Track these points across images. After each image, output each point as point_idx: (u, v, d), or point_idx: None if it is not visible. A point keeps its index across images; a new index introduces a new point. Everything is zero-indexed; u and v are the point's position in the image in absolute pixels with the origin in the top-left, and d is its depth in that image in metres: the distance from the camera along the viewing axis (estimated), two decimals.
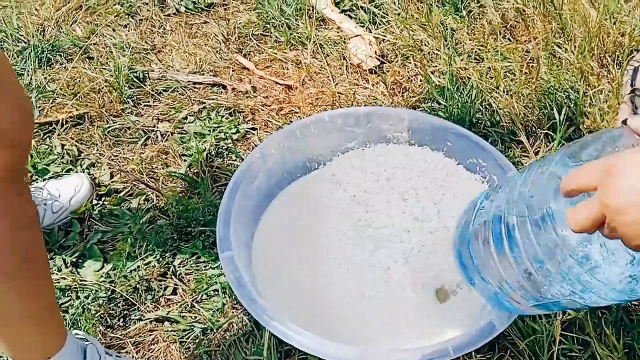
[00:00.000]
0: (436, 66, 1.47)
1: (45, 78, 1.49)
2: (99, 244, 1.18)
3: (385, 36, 1.59)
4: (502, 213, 0.73)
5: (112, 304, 1.09)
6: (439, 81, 1.41)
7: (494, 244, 0.75)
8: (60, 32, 1.61)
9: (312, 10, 1.66)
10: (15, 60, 1.52)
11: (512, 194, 0.72)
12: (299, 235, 1.09)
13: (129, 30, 1.64)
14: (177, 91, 1.48)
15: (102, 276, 1.13)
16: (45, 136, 1.37)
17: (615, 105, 1.31)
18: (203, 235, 1.18)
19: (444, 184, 1.17)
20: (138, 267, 1.14)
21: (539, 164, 0.71)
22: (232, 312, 1.08)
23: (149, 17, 1.68)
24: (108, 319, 1.07)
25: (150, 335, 1.06)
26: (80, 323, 1.06)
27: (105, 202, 1.25)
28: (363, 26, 1.64)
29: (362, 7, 1.69)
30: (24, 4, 1.69)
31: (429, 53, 1.50)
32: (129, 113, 1.42)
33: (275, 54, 1.57)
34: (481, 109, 1.37)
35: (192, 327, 1.06)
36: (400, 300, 0.99)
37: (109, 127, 1.38)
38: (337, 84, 1.50)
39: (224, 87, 1.49)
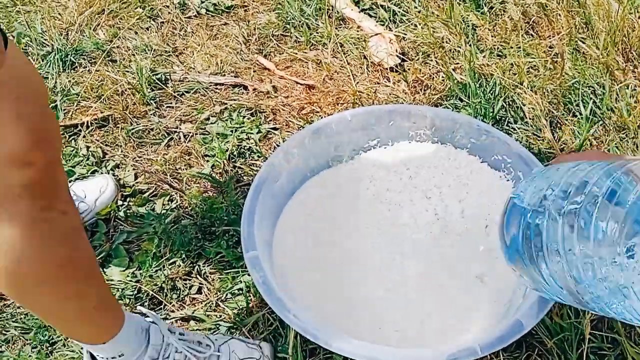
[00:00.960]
0: (458, 63, 1.46)
1: (69, 81, 1.51)
2: (125, 244, 1.19)
3: (406, 34, 1.58)
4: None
5: (139, 303, 1.10)
6: (461, 78, 1.40)
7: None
8: (84, 35, 1.63)
9: (332, 9, 1.66)
10: (40, 64, 1.54)
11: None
12: (319, 233, 1.09)
13: (150, 33, 1.65)
14: (199, 92, 1.49)
15: (128, 276, 1.14)
16: (70, 138, 1.39)
17: None
18: (227, 235, 1.18)
19: (467, 182, 1.16)
20: (163, 266, 1.15)
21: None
22: (257, 311, 1.08)
23: (170, 20, 1.69)
24: None
25: None
26: None
27: (130, 203, 1.26)
28: (383, 24, 1.64)
29: (382, 6, 1.69)
30: (47, 9, 1.72)
31: (450, 50, 1.49)
32: (152, 115, 1.44)
33: (296, 54, 1.57)
34: (505, 105, 1.36)
35: (218, 325, 1.07)
36: (425, 296, 0.99)
37: (132, 128, 1.39)
38: (358, 82, 1.50)
39: (245, 87, 1.50)
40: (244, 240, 0.96)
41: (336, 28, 1.62)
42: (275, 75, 1.53)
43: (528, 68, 1.42)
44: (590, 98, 1.32)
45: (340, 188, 1.17)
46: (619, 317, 0.66)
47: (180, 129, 1.41)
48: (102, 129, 1.41)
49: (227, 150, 1.33)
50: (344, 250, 1.06)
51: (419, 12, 1.60)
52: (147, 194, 1.27)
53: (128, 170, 1.32)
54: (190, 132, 1.40)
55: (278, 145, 1.34)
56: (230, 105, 1.45)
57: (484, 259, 1.04)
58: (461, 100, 1.38)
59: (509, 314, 0.91)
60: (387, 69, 1.52)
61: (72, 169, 1.32)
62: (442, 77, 1.44)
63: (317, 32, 1.62)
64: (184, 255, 1.16)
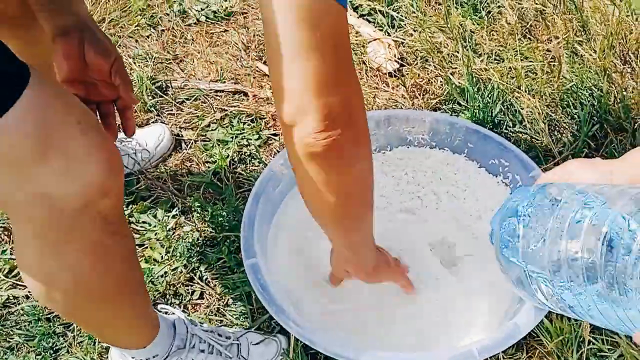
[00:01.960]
0: (456, 68, 1.47)
1: None
2: None
3: (404, 39, 1.59)
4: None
5: None
6: (459, 82, 1.41)
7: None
8: None
9: None
10: None
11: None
12: (316, 239, 1.10)
13: (151, 41, 1.67)
14: (200, 99, 1.50)
15: None
16: None
17: None
18: (228, 241, 1.19)
19: (465, 188, 1.17)
20: (165, 273, 1.16)
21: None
22: (259, 316, 1.09)
23: (170, 28, 1.71)
24: None
25: None
26: None
27: (132, 210, 1.27)
28: (382, 30, 1.65)
29: (380, 11, 1.70)
30: None
31: (448, 55, 1.50)
32: (153, 122, 1.45)
33: None
34: (503, 109, 1.36)
35: None
36: (422, 301, 0.99)
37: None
38: None
39: (245, 94, 1.51)
40: (244, 247, 0.97)
41: None
42: None
43: (526, 72, 1.43)
44: (588, 100, 1.33)
45: None
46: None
47: (181, 136, 1.42)
48: None
49: (227, 157, 1.35)
50: None
51: (417, 17, 1.61)
52: (149, 201, 1.28)
53: (130, 177, 1.33)
54: (191, 139, 1.41)
55: (278, 151, 1.35)
56: (231, 111, 1.46)
57: (483, 263, 1.05)
58: (459, 104, 1.39)
59: (507, 318, 0.92)
60: (385, 74, 1.53)
61: None
62: (441, 81, 1.45)
63: None
64: (185, 262, 1.17)
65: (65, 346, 1.07)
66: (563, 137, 1.30)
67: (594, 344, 0.99)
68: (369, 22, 1.69)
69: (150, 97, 1.49)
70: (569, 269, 0.67)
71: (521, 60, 1.44)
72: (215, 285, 1.15)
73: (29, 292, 1.12)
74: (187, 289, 1.15)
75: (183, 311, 1.11)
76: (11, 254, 1.19)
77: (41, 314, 1.10)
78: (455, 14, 1.60)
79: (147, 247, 1.20)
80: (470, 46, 1.51)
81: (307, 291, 1.04)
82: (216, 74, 1.56)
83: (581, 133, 1.27)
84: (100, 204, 0.68)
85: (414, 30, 1.59)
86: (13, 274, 1.16)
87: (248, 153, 1.37)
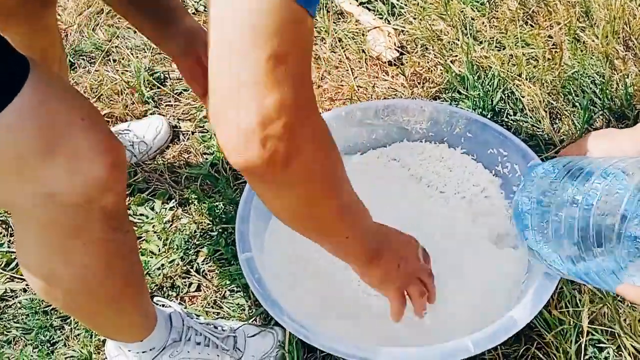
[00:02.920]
0: (456, 55, 1.45)
1: (70, 80, 1.52)
2: None
3: (404, 27, 1.57)
4: None
5: None
6: (459, 71, 1.39)
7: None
8: (83, 36, 1.64)
9: (331, 3, 1.65)
10: None
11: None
12: None
13: None
14: None
15: None
16: None
17: None
18: (225, 233, 1.19)
19: (458, 182, 1.16)
20: (162, 265, 1.16)
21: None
22: (255, 309, 1.09)
23: None
24: None
25: None
26: None
27: (130, 203, 1.26)
28: (382, 18, 1.63)
29: None
30: None
31: (448, 42, 1.48)
32: (151, 114, 1.44)
33: None
34: (504, 97, 1.35)
35: None
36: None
37: None
38: (356, 77, 1.49)
39: None
40: (239, 241, 0.97)
41: (334, 22, 1.61)
42: None
43: (527, 59, 1.41)
44: (590, 88, 1.31)
45: None
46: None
47: (179, 127, 1.41)
48: None
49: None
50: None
51: (417, 4, 1.59)
52: (146, 193, 1.28)
53: (127, 170, 1.32)
54: (189, 131, 1.40)
55: None
56: None
57: (475, 257, 1.04)
58: (460, 92, 1.37)
59: (504, 311, 0.91)
60: (385, 62, 1.51)
61: None
62: (441, 70, 1.43)
63: (315, 27, 1.61)
64: (182, 254, 1.17)
65: (62, 339, 1.08)
66: (564, 126, 1.28)
67: (592, 334, 0.97)
68: (369, 10, 1.66)
69: (148, 89, 1.48)
70: (586, 239, 0.68)
71: (522, 47, 1.42)
72: (212, 278, 1.15)
73: (27, 285, 1.12)
74: (184, 282, 1.14)
75: (180, 303, 1.11)
76: (9, 247, 1.19)
77: (38, 307, 1.10)
78: (456, 1, 1.57)
79: (144, 240, 1.20)
80: (471, 33, 1.49)
81: (303, 284, 1.03)
82: None
83: (583, 121, 1.25)
84: (103, 200, 0.67)
85: (414, 18, 1.57)
86: (10, 267, 1.17)
87: None
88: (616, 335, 0.97)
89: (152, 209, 1.25)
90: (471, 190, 1.13)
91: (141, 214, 1.25)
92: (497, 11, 1.54)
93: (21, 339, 1.08)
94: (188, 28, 0.93)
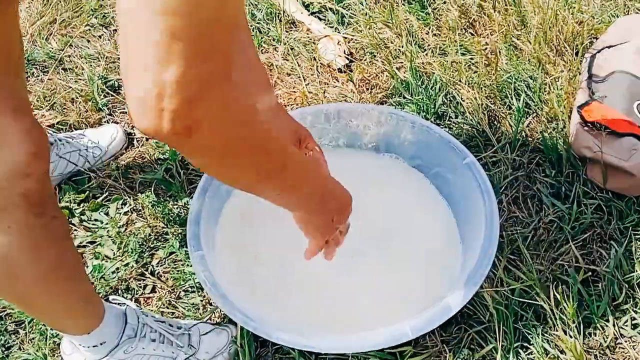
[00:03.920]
0: (402, 62, 1.51)
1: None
2: (79, 248, 1.22)
3: (353, 36, 1.63)
4: None
5: None
6: (404, 77, 1.46)
7: None
8: (35, 45, 1.64)
9: (283, 13, 1.70)
10: None
11: None
12: (259, 229, 1.13)
13: (103, 41, 1.68)
14: None
15: None
16: None
17: (572, 92, 1.36)
18: (179, 235, 1.22)
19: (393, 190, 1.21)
20: (117, 268, 1.18)
21: None
22: (210, 308, 1.12)
23: None
24: None
25: None
26: None
27: (84, 208, 1.28)
28: (332, 27, 1.69)
29: (330, 9, 1.74)
30: None
31: (395, 50, 1.55)
32: (105, 121, 1.46)
33: None
34: (446, 101, 1.42)
35: None
36: (357, 282, 1.04)
37: None
38: (307, 84, 1.54)
39: None
40: (189, 240, 1.00)
41: (287, 31, 1.67)
42: None
43: (468, 65, 1.49)
44: (524, 91, 1.39)
45: None
46: None
47: (134, 134, 1.44)
48: None
49: (179, 154, 1.37)
50: (281, 244, 1.10)
51: (365, 14, 1.66)
52: (101, 198, 1.30)
53: (82, 175, 1.34)
54: (143, 137, 1.43)
55: None
56: None
57: (414, 248, 1.10)
58: (404, 97, 1.44)
59: (440, 298, 0.97)
60: (335, 70, 1.57)
61: None
62: (387, 76, 1.49)
63: (267, 36, 1.66)
64: (137, 257, 1.19)
65: (17, 343, 1.09)
66: (501, 127, 1.36)
67: (526, 314, 1.04)
68: (320, 19, 1.72)
69: (101, 97, 1.50)
70: None
71: (463, 54, 1.50)
72: (167, 279, 1.17)
73: None
74: (139, 284, 1.17)
75: (136, 305, 1.14)
76: None
77: None
78: (403, 10, 1.65)
79: (98, 244, 1.22)
80: (415, 41, 1.56)
81: (253, 280, 1.07)
82: None
83: (518, 122, 1.33)
84: (23, 186, 0.70)
85: (362, 27, 1.63)
86: None
87: None
88: (548, 316, 1.04)
89: (107, 214, 1.27)
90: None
91: (95, 219, 1.26)
92: (441, 20, 1.62)
93: None
94: None
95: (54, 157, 1.26)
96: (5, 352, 1.08)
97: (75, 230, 1.25)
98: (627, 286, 1.09)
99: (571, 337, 0.98)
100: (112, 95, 1.51)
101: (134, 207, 1.28)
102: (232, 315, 0.93)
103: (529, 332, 1.03)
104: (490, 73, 1.42)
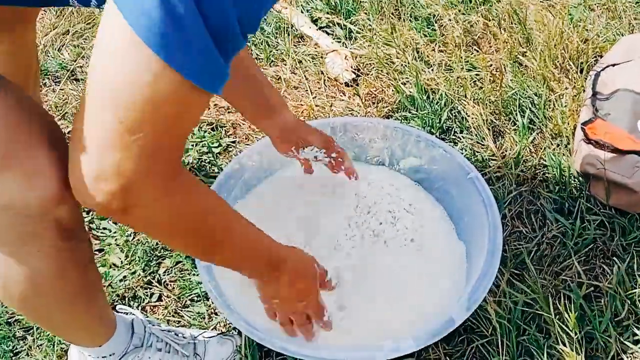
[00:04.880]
0: (407, 78, 1.54)
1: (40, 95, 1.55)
2: None
3: (360, 50, 1.66)
4: None
5: None
6: (410, 92, 1.48)
7: None
8: (48, 56, 1.68)
9: (291, 28, 1.73)
10: None
11: None
12: None
13: None
14: None
15: None
16: None
17: (576, 109, 1.38)
18: None
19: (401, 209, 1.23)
20: (124, 277, 1.20)
21: None
22: (215, 317, 1.13)
23: None
24: None
25: None
26: None
27: (93, 217, 1.30)
28: (339, 42, 1.71)
29: (338, 24, 1.77)
30: None
31: (401, 65, 1.58)
32: None
33: None
34: (451, 116, 1.44)
35: None
36: (363, 294, 1.05)
37: None
38: (314, 97, 1.57)
39: None
40: None
41: (295, 45, 1.69)
42: None
43: (473, 81, 1.51)
44: (529, 107, 1.41)
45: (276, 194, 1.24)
46: None
47: None
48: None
49: (188, 164, 1.39)
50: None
51: (372, 30, 1.69)
52: None
53: None
54: None
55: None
56: None
57: (417, 261, 1.11)
58: (410, 112, 1.46)
59: (443, 311, 0.98)
60: (342, 84, 1.59)
61: None
62: (393, 91, 1.52)
63: (276, 50, 1.69)
64: (144, 265, 1.21)
65: (25, 349, 1.10)
66: (506, 142, 1.37)
67: (529, 328, 1.05)
68: (328, 34, 1.75)
69: None
70: None
71: (468, 70, 1.52)
72: (173, 288, 1.19)
73: None
74: (146, 292, 1.18)
75: (142, 313, 1.15)
76: None
77: (1, 319, 1.13)
78: (409, 27, 1.67)
79: (106, 252, 1.24)
80: (421, 57, 1.58)
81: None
82: None
83: (522, 138, 1.35)
84: (56, 213, 0.71)
85: (369, 42, 1.66)
86: None
87: (208, 160, 1.41)
88: (550, 330, 1.05)
89: (115, 223, 1.29)
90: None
91: (104, 228, 1.28)
92: (446, 37, 1.64)
93: None
94: (285, 122, 1.11)
95: None
96: (14, 358, 1.09)
97: None
98: (629, 302, 1.10)
99: (574, 351, 0.99)
100: None
101: None
102: (238, 325, 0.94)
103: (532, 346, 1.04)
104: (495, 89, 1.44)
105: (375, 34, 1.67)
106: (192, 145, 1.43)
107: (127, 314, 1.04)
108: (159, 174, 0.61)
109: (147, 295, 1.18)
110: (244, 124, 1.50)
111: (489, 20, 1.61)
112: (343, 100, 1.55)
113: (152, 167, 0.60)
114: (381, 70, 1.58)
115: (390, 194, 1.21)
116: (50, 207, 0.70)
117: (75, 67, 1.64)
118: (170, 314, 1.15)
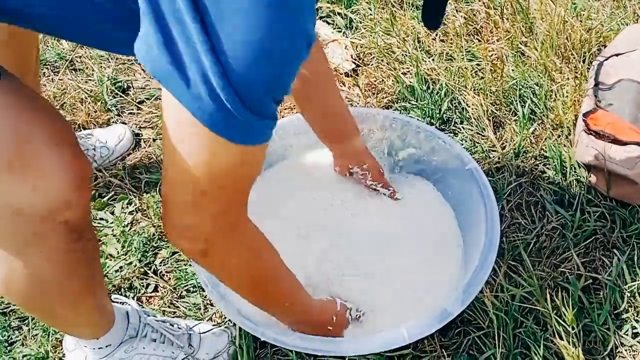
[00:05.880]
0: (408, 68, 1.52)
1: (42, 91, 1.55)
2: None
3: (361, 40, 1.64)
4: None
5: None
6: (410, 82, 1.46)
7: None
8: (47, 46, 1.67)
9: None
10: None
11: None
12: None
13: None
14: (160, 99, 1.53)
15: None
16: None
17: (577, 99, 1.35)
18: None
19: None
20: (121, 267, 1.20)
21: None
22: (211, 308, 1.13)
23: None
24: None
25: None
26: None
27: (90, 207, 1.29)
28: (340, 31, 1.70)
29: (339, 13, 1.75)
30: None
31: (401, 55, 1.56)
32: (114, 122, 1.48)
33: None
34: (451, 107, 1.42)
35: None
36: (362, 289, 1.04)
37: None
38: None
39: None
40: None
41: None
42: None
43: (475, 71, 1.49)
44: (530, 98, 1.39)
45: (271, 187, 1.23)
46: None
47: (140, 134, 1.45)
48: None
49: None
50: (283, 247, 1.11)
51: (372, 19, 1.67)
52: (107, 197, 1.32)
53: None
54: (150, 138, 1.44)
55: None
56: None
57: (416, 252, 1.10)
58: (410, 102, 1.44)
59: (440, 303, 0.97)
60: (342, 74, 1.58)
61: None
62: (392, 81, 1.50)
63: None
64: (140, 256, 1.20)
65: (20, 339, 1.10)
66: (506, 133, 1.36)
67: (525, 321, 1.04)
68: (328, 23, 1.73)
69: (110, 97, 1.52)
70: None
71: (469, 60, 1.50)
72: (169, 279, 1.18)
73: None
74: (142, 282, 1.18)
75: (138, 304, 1.15)
76: None
77: None
78: (411, 16, 1.65)
79: (103, 243, 1.23)
80: (422, 47, 1.56)
81: None
82: None
83: (522, 129, 1.33)
84: (65, 215, 0.70)
85: (370, 32, 1.64)
86: None
87: None
88: (548, 323, 1.03)
89: (112, 213, 1.29)
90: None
91: (101, 218, 1.28)
92: (447, 26, 1.62)
93: None
94: (355, 149, 1.20)
95: None
96: (9, 348, 1.09)
97: None
98: (628, 295, 1.08)
99: (571, 344, 0.98)
100: (121, 96, 1.53)
101: (139, 207, 1.30)
102: (232, 317, 0.93)
103: (529, 338, 1.03)
104: (496, 79, 1.42)
105: (376, 23, 1.65)
106: None
107: (122, 304, 1.03)
108: (227, 230, 0.74)
109: (143, 286, 1.17)
110: None
111: (491, 9, 1.59)
112: (343, 90, 1.54)
113: (221, 225, 0.73)
114: (381, 60, 1.57)
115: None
116: (58, 210, 0.69)
117: (74, 57, 1.64)
118: (166, 304, 1.14)
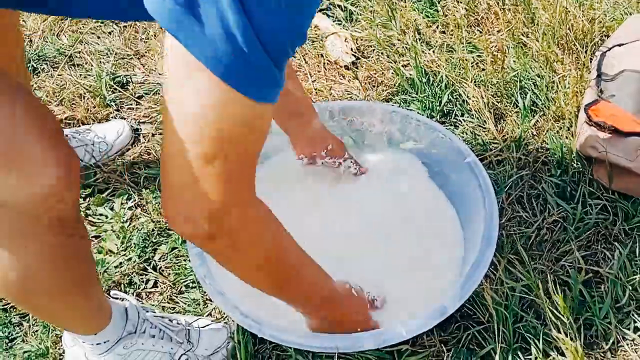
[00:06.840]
0: (408, 60, 1.51)
1: (32, 86, 1.54)
2: None
3: (361, 33, 1.63)
4: None
5: None
6: (410, 74, 1.45)
7: None
8: (47, 41, 1.67)
9: None
10: None
11: None
12: None
13: (113, 37, 1.69)
14: (159, 94, 1.53)
15: None
16: None
17: (580, 90, 1.34)
18: None
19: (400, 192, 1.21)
20: (120, 263, 1.20)
21: None
22: (210, 304, 1.13)
23: (133, 24, 1.73)
24: None
25: None
26: None
27: (89, 203, 1.30)
28: (340, 24, 1.68)
29: (339, 6, 1.73)
30: None
31: (401, 47, 1.54)
32: (113, 117, 1.48)
33: None
34: (452, 99, 1.41)
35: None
36: (361, 283, 1.04)
37: None
38: (314, 80, 1.54)
39: None
40: None
41: None
42: None
43: (475, 63, 1.47)
44: (531, 89, 1.37)
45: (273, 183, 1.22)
46: None
47: (140, 129, 1.45)
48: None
49: None
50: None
51: (372, 11, 1.65)
52: (106, 193, 1.31)
53: (88, 170, 1.36)
54: (149, 133, 1.44)
55: None
56: None
57: (415, 246, 1.09)
58: (410, 95, 1.43)
59: (439, 297, 0.96)
60: (342, 66, 1.56)
61: None
62: (392, 73, 1.49)
63: None
64: (140, 252, 1.20)
65: (20, 335, 1.10)
66: (507, 125, 1.34)
67: (526, 315, 1.03)
68: (328, 16, 1.72)
69: (109, 93, 1.51)
70: None
71: (470, 51, 1.49)
72: (168, 274, 1.18)
73: None
74: (141, 278, 1.18)
75: (137, 299, 1.15)
76: None
77: None
78: (411, 8, 1.64)
79: (102, 239, 1.23)
80: (423, 39, 1.55)
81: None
82: None
83: (524, 121, 1.32)
84: (53, 210, 0.70)
85: (370, 24, 1.63)
86: None
87: None
88: (548, 317, 1.03)
89: (112, 208, 1.29)
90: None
91: (100, 214, 1.28)
92: (448, 17, 1.60)
93: None
94: (313, 127, 1.16)
95: None
96: (9, 344, 1.10)
97: None
98: (630, 288, 1.07)
99: (572, 339, 0.97)
100: (120, 91, 1.52)
101: (138, 203, 1.29)
102: (230, 312, 0.93)
103: (529, 333, 1.02)
104: (497, 71, 1.41)
105: (375, 15, 1.63)
106: None
107: (121, 299, 1.03)
108: (236, 201, 0.67)
109: (142, 282, 1.17)
110: None
111: (492, 0, 1.57)
112: (342, 83, 1.53)
113: (230, 195, 0.66)
114: (381, 53, 1.55)
115: (388, 178, 1.19)
116: (47, 206, 0.69)
117: (74, 52, 1.63)
118: (165, 300, 1.14)
